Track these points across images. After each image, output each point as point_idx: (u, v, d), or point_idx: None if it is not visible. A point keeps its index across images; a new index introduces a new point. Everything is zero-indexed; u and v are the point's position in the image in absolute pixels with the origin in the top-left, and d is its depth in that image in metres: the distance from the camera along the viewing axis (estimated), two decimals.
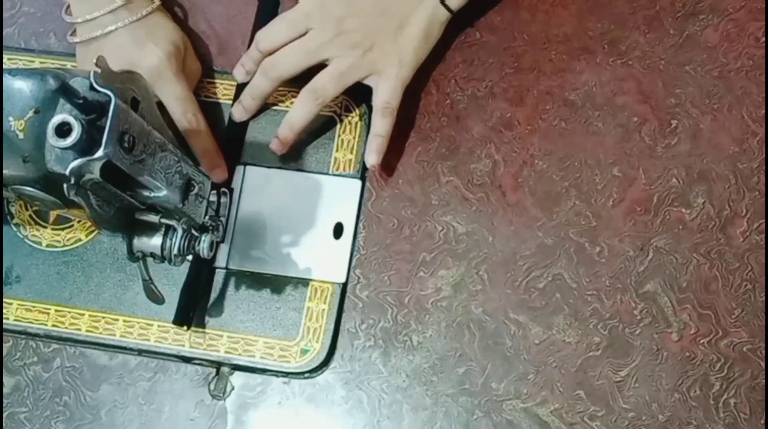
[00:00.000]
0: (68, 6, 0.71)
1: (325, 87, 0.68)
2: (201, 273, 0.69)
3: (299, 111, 0.69)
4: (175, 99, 0.69)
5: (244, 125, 0.72)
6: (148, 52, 0.68)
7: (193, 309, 0.68)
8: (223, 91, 0.74)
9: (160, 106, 0.68)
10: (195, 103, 0.70)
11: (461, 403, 0.66)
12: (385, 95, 0.68)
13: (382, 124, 0.68)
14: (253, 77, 0.70)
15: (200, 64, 0.73)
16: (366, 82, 0.69)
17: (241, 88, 0.72)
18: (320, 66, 0.68)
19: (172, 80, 0.69)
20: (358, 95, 0.71)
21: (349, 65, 0.68)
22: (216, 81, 0.74)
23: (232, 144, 0.72)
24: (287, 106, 0.72)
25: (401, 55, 0.68)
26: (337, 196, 0.70)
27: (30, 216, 0.72)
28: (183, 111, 0.69)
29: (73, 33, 0.71)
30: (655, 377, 0.65)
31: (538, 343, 0.66)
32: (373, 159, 0.68)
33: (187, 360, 0.69)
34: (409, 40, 0.68)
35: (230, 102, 0.73)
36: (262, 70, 0.69)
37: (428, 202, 0.70)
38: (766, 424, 0.64)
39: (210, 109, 0.72)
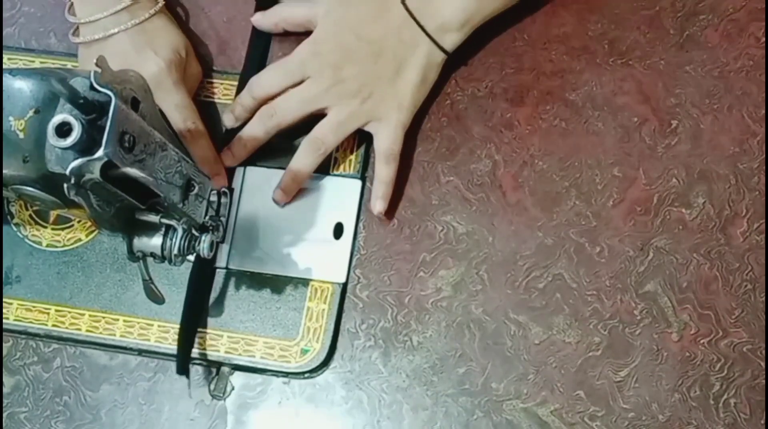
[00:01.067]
0: (71, 5, 0.70)
1: (325, 137, 0.68)
2: (194, 319, 0.68)
3: (301, 162, 0.68)
4: (175, 107, 0.68)
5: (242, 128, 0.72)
6: (147, 60, 0.68)
7: (190, 355, 0.68)
8: (224, 91, 0.74)
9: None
10: (195, 111, 0.70)
11: (461, 403, 0.66)
12: (387, 142, 0.68)
13: (386, 172, 0.68)
14: (248, 124, 0.70)
15: (201, 66, 0.73)
16: (366, 128, 0.69)
17: (229, 132, 0.71)
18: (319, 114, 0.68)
19: (171, 89, 0.68)
20: None
21: (348, 114, 0.67)
22: (216, 81, 0.74)
23: None
24: None
25: (400, 101, 0.68)
26: (337, 196, 0.70)
27: (30, 216, 0.73)
28: (183, 119, 0.69)
29: (75, 33, 0.70)
30: (655, 377, 0.65)
31: (538, 343, 0.66)
32: (379, 206, 0.68)
33: None
34: (407, 85, 0.68)
35: (230, 102, 0.72)
36: (259, 117, 0.69)
37: (428, 202, 0.70)
38: (766, 424, 0.64)
39: (210, 110, 0.72)
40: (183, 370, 0.67)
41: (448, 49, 0.68)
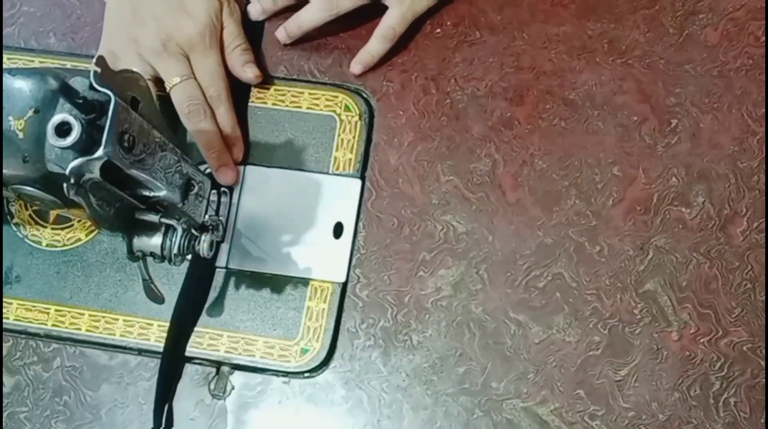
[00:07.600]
0: None
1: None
2: (173, 380, 0.68)
3: (312, 14, 0.71)
4: (204, 72, 0.70)
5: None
6: (182, 25, 0.69)
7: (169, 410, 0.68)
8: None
9: (162, 103, 0.68)
10: (224, 79, 0.71)
11: (461, 402, 0.66)
12: (393, 20, 0.70)
13: (378, 46, 0.71)
14: (306, 8, 0.71)
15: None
16: (381, 1, 0.70)
17: None
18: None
19: (202, 53, 0.70)
20: (359, 95, 0.72)
21: None
22: None
23: None
24: (287, 106, 0.72)
25: None
26: (337, 196, 0.70)
27: (30, 216, 0.73)
28: (207, 85, 0.70)
29: None
30: (655, 376, 0.65)
31: (538, 342, 0.66)
32: (356, 69, 0.72)
33: (187, 360, 0.69)
34: None
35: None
36: (320, 2, 0.71)
37: (428, 201, 0.70)
38: (766, 424, 0.64)
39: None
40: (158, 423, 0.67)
41: None
